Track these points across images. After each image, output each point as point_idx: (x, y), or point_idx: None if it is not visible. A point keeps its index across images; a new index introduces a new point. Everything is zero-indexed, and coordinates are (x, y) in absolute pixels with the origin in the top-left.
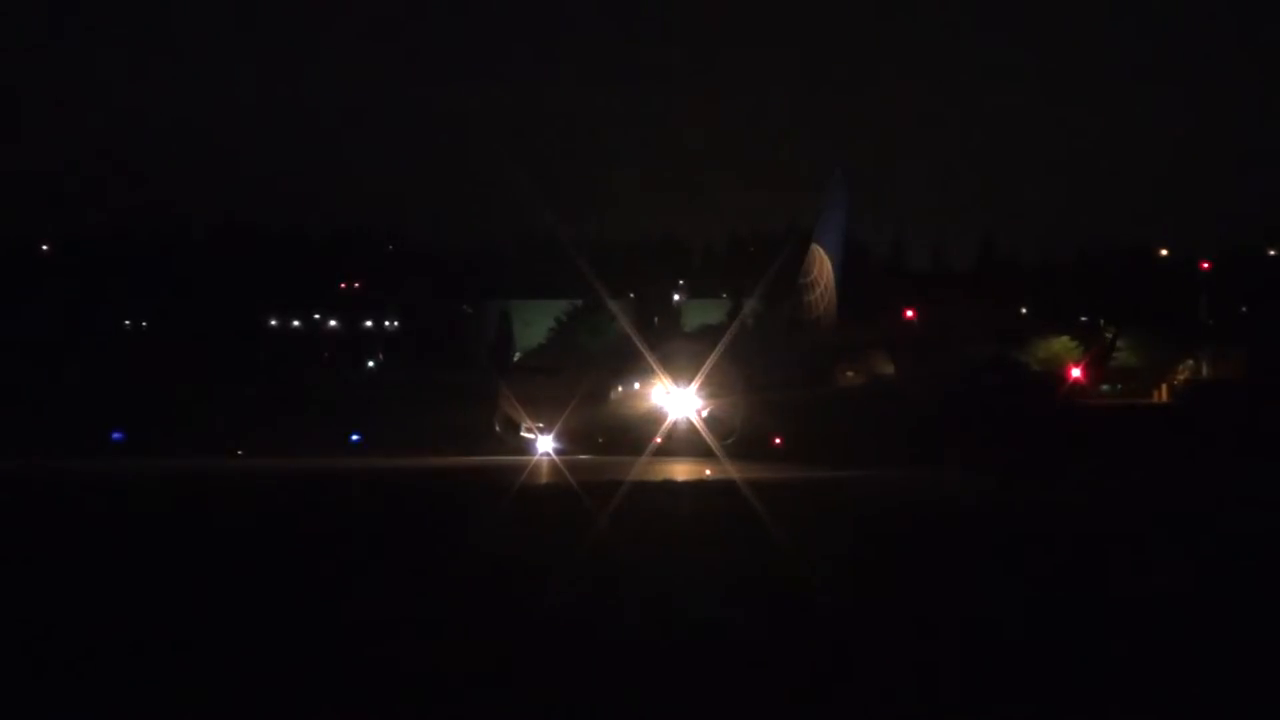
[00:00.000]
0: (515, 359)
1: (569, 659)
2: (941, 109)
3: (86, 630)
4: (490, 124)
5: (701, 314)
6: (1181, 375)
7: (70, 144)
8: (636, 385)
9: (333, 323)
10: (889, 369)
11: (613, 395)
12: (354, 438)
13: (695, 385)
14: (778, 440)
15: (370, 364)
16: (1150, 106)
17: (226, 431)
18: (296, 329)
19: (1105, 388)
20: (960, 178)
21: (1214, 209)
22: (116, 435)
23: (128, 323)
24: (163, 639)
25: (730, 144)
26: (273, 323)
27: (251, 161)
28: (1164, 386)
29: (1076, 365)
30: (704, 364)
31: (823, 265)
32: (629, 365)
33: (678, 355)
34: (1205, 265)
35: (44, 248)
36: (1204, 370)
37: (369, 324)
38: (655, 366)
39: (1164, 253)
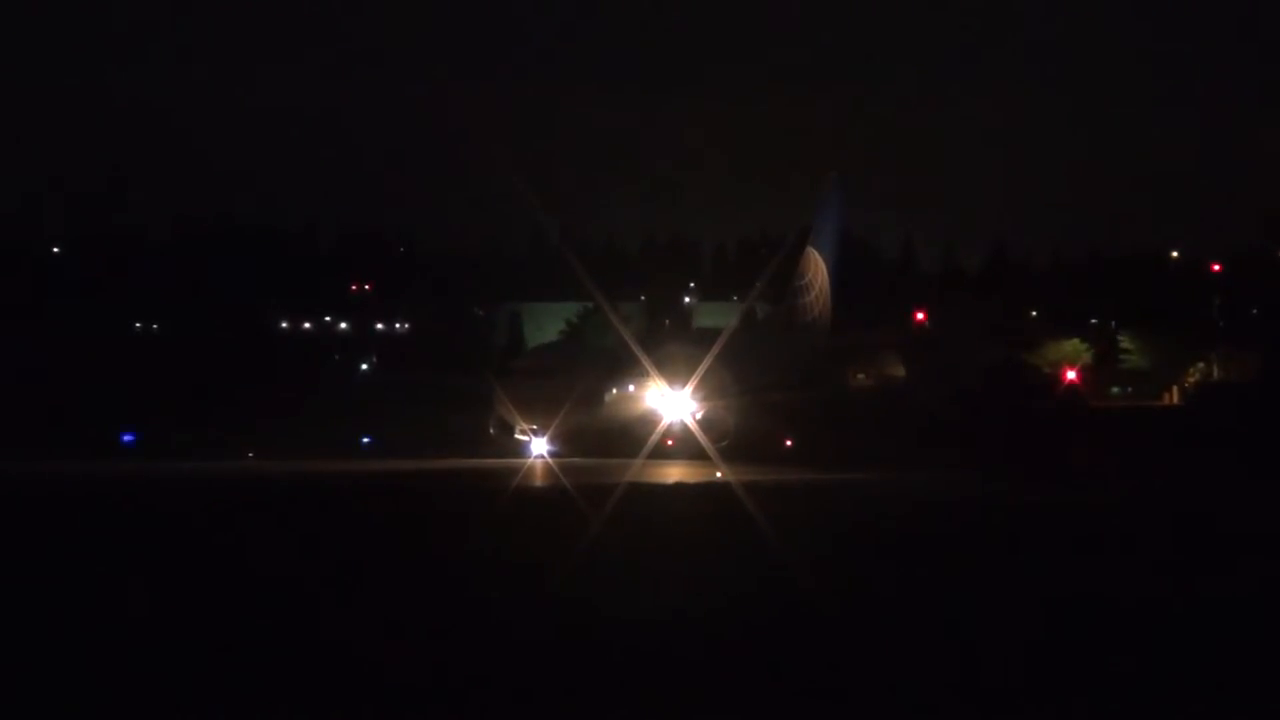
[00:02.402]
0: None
1: (567, 660)
2: (952, 110)
3: (87, 632)
4: (503, 126)
5: (712, 316)
6: (1192, 377)
7: (79, 146)
8: (631, 388)
9: (343, 325)
10: (899, 371)
11: (607, 398)
12: (365, 440)
13: (690, 387)
14: (788, 442)
15: (364, 366)
16: (1160, 108)
17: (237, 434)
18: (307, 331)
19: (1115, 390)
20: (971, 180)
21: (1225, 211)
22: (127, 437)
23: (138, 325)
24: (164, 641)
25: (742, 146)
26: (284, 325)
27: (263, 164)
28: (1175, 389)
29: (1072, 367)
30: (700, 366)
31: (818, 268)
32: (625, 368)
33: (674, 357)
34: (1216, 267)
35: (54, 249)
36: (1215, 372)
37: (380, 326)
38: (650, 369)
39: (1175, 255)
